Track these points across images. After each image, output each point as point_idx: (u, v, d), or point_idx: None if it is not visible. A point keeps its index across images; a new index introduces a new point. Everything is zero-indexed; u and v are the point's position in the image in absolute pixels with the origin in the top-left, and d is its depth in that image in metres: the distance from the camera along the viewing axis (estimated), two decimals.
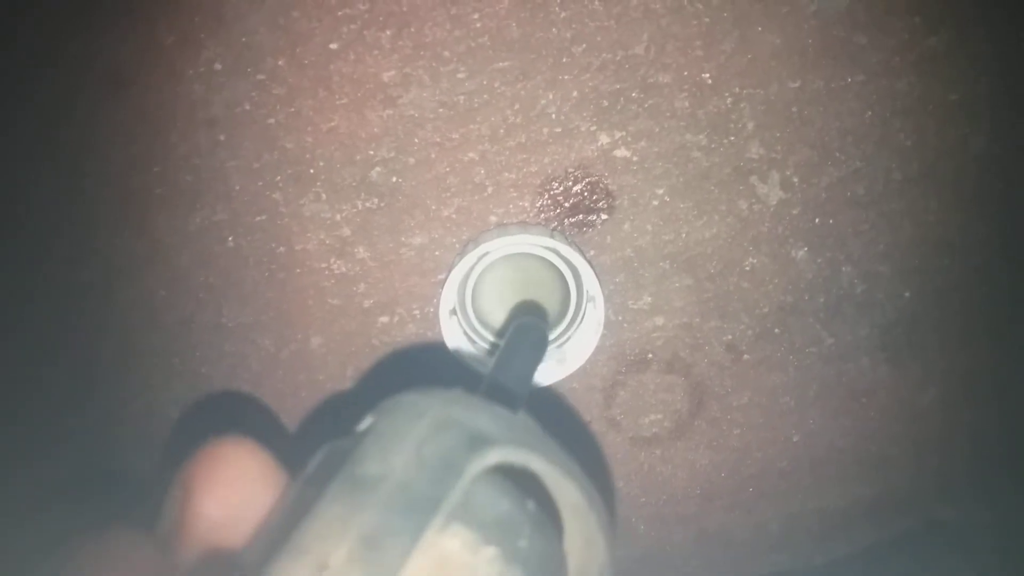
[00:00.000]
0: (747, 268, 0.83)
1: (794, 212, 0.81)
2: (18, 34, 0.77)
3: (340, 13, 0.76)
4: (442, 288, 0.82)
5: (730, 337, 0.85)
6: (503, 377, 0.60)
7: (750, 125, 0.79)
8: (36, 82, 0.78)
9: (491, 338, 0.82)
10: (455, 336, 0.79)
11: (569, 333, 0.82)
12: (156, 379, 0.87)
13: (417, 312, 0.85)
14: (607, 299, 0.82)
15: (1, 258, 0.83)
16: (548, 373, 0.80)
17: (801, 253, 0.83)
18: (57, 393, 0.88)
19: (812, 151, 0.80)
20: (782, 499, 0.93)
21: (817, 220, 0.82)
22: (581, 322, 0.81)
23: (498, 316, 0.81)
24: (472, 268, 0.79)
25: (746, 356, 0.86)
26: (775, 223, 0.82)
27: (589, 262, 0.76)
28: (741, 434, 0.90)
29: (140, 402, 0.88)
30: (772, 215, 0.81)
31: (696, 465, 0.92)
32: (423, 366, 0.86)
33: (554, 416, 0.88)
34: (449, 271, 0.81)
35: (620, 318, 0.84)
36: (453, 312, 0.79)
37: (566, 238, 0.80)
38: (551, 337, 0.82)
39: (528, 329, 0.70)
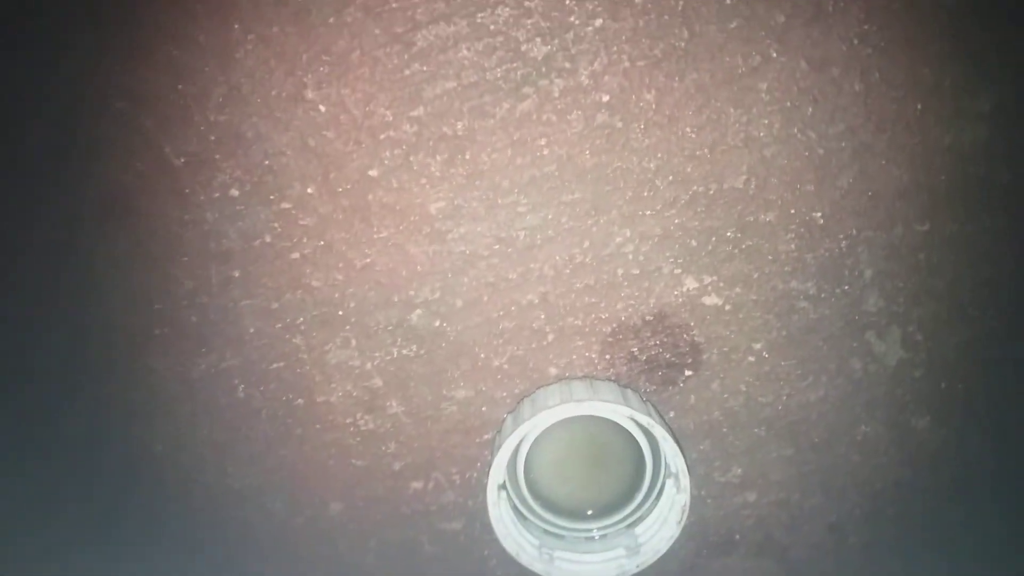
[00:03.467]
0: (858, 438, 0.69)
1: (916, 375, 0.68)
2: (11, 155, 0.66)
3: (383, 136, 0.65)
4: (490, 454, 0.69)
5: (834, 517, 0.71)
6: None
7: (868, 273, 0.66)
8: (30, 206, 0.67)
9: (547, 516, 0.68)
10: (504, 517, 0.66)
11: (642, 512, 0.68)
12: (149, 545, 0.74)
13: (457, 477, 0.71)
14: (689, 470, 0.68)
15: None
16: (617, 565, 0.67)
17: (923, 422, 0.69)
18: (42, 557, 0.75)
19: (940, 304, 0.67)
20: None
21: (944, 384, 0.68)
22: (658, 500, 0.67)
23: (557, 491, 0.68)
24: (527, 432, 0.66)
25: (852, 539, 0.72)
26: (893, 386, 0.68)
27: (672, 434, 0.63)
28: None
29: (129, 569, 0.75)
30: (890, 377, 0.68)
31: None
32: (461, 545, 0.73)
33: None
34: (499, 435, 0.68)
35: (703, 492, 0.70)
36: (503, 487, 0.66)
37: (642, 399, 0.67)
38: (620, 516, 0.69)
39: None
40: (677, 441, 0.63)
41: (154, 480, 0.71)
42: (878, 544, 0.72)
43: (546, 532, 0.69)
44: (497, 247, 0.66)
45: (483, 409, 0.69)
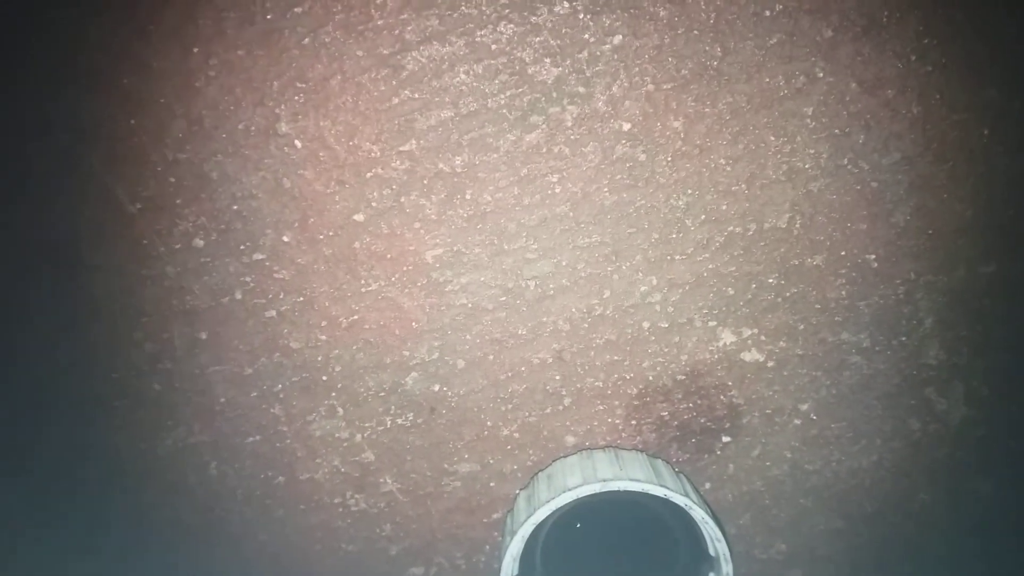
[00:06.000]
0: (916, 507, 0.61)
1: (980, 434, 0.60)
2: None
3: (370, 174, 0.56)
4: (500, 536, 0.61)
5: None
6: None
7: (928, 322, 0.58)
8: None
9: None
10: None
11: None
12: None
13: (462, 562, 0.63)
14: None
15: None
16: None
17: (989, 487, 0.61)
18: None
19: (1009, 355, 0.58)
20: None
21: (1012, 444, 0.61)
22: None
23: None
24: (543, 517, 0.57)
25: None
26: (955, 448, 0.60)
27: (713, 515, 0.55)
28: None
29: None
30: (953, 438, 0.60)
31: None
32: None
33: None
34: (511, 518, 0.60)
35: (743, 571, 0.62)
36: None
37: (675, 472, 0.58)
38: None
39: None
40: (719, 524, 0.55)
41: (116, 571, 0.62)
42: None
43: None
44: (504, 299, 0.58)
45: (491, 485, 0.61)
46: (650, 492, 0.55)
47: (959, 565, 0.62)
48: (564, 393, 0.59)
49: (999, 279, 0.57)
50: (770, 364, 0.58)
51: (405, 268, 0.57)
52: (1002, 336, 0.58)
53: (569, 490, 0.54)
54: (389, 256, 0.57)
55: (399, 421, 0.59)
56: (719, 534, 0.55)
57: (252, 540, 0.61)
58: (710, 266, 0.57)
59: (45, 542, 0.61)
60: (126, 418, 0.59)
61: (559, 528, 0.58)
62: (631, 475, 0.55)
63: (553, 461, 0.60)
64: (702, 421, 0.59)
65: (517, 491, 0.60)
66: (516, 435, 0.59)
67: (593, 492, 0.55)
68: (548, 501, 0.54)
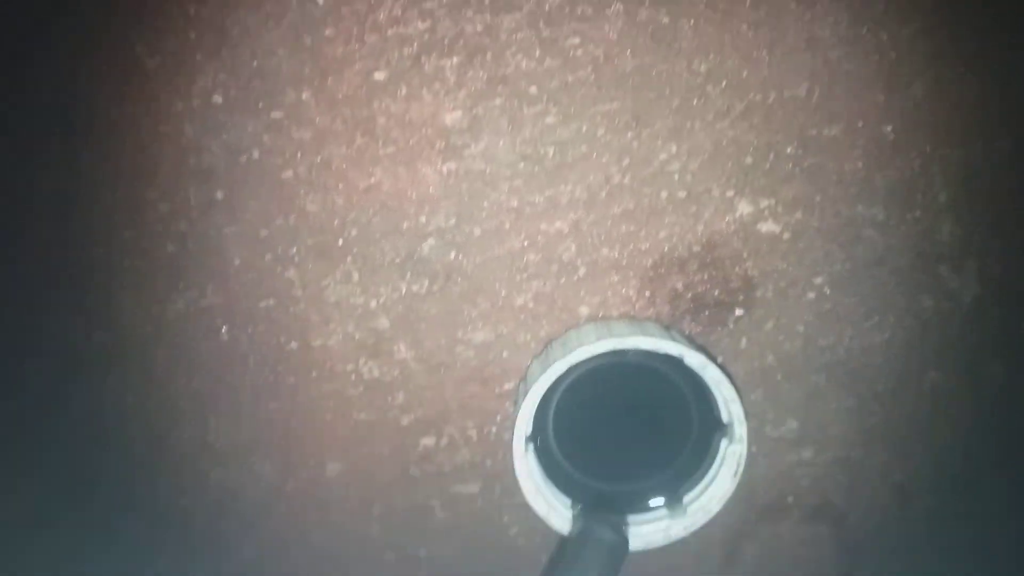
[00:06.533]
0: (927, 386, 0.61)
1: (993, 313, 0.61)
2: None
3: (390, 32, 0.56)
4: (512, 406, 0.61)
5: (900, 477, 0.63)
6: None
7: (942, 197, 0.58)
8: None
9: (580, 477, 0.60)
10: (533, 473, 0.58)
11: (689, 468, 0.60)
12: (118, 512, 0.65)
13: (473, 433, 0.63)
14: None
15: None
16: (662, 528, 0.59)
17: (998, 367, 0.62)
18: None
19: None
20: None
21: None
22: (707, 453, 0.60)
23: (590, 449, 0.60)
24: (559, 374, 0.58)
25: (918, 502, 0.64)
26: (967, 328, 0.61)
27: (728, 375, 0.55)
28: None
29: (98, 540, 0.66)
30: (964, 317, 0.60)
31: None
32: (477, 511, 0.64)
33: None
34: (524, 382, 0.60)
35: (754, 448, 0.62)
36: (530, 440, 0.58)
37: (688, 340, 0.59)
38: (665, 474, 0.61)
39: (595, 544, 0.52)
40: (734, 384, 0.55)
41: (123, 439, 0.62)
42: (948, 508, 0.64)
43: (580, 494, 0.61)
44: (522, 165, 0.58)
45: (504, 355, 0.61)
46: (665, 351, 0.55)
47: (969, 446, 0.62)
48: (579, 263, 0.59)
49: (1017, 155, 0.58)
50: (786, 236, 0.58)
51: (424, 131, 0.57)
52: (1017, 215, 0.59)
53: (585, 346, 0.55)
54: (407, 119, 0.57)
55: (414, 288, 0.59)
56: (734, 394, 0.55)
57: (262, 408, 0.61)
58: (730, 134, 0.57)
59: (47, 403, 0.61)
60: (137, 280, 0.59)
61: (571, 394, 0.58)
62: (649, 334, 0.55)
63: (566, 332, 0.60)
64: (716, 294, 0.59)
65: (530, 360, 0.60)
66: (530, 305, 0.59)
67: (608, 349, 0.55)
68: (564, 357, 0.55)
